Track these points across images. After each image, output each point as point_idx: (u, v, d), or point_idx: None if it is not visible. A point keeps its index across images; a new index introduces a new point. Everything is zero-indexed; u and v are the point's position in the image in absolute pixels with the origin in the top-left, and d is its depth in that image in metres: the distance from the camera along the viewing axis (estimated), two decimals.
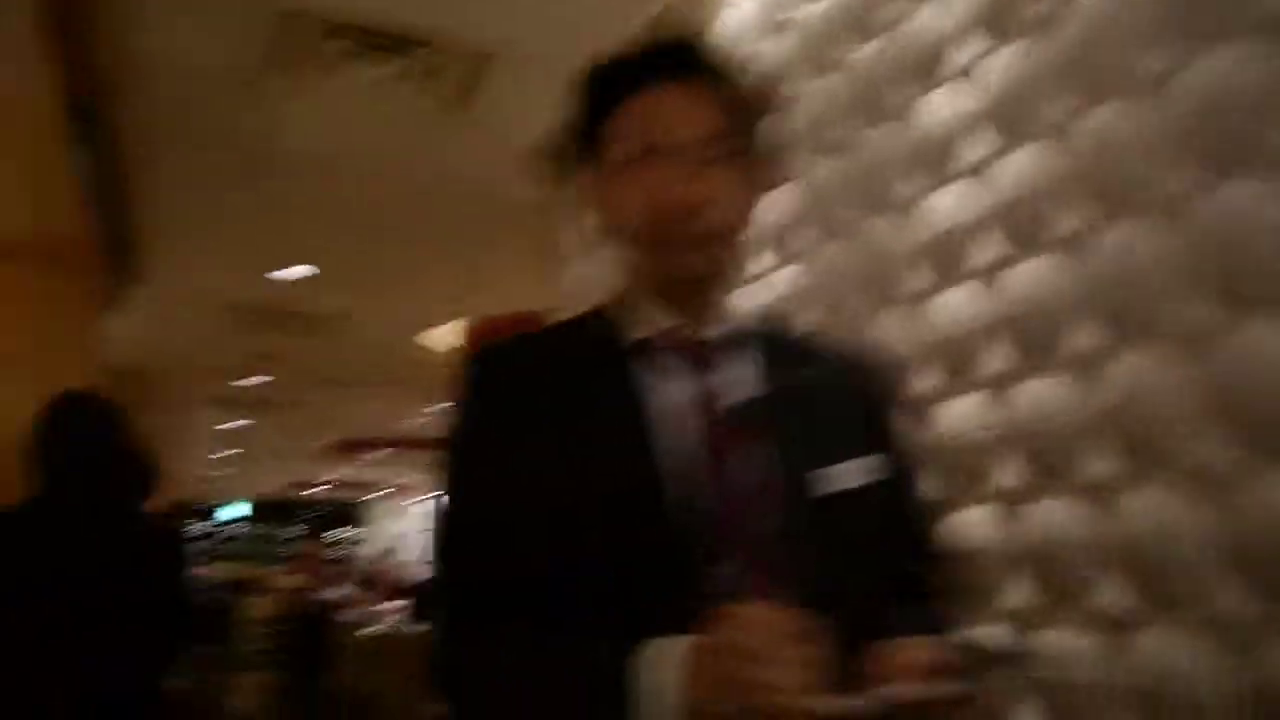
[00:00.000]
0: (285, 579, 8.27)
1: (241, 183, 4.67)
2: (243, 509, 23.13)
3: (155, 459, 2.73)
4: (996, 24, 1.98)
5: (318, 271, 6.05)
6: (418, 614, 9.69)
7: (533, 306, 6.21)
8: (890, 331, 2.20)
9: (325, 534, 22.80)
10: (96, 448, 2.54)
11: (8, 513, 2.44)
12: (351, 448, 13.77)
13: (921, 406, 2.03)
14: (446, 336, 7.50)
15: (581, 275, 4.00)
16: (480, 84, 3.51)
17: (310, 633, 8.28)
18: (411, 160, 4.15)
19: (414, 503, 21.81)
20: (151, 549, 2.58)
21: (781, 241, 2.68)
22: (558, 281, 4.32)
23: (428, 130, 3.86)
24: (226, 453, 14.86)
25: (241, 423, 12.30)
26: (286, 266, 5.92)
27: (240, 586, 19.76)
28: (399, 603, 10.94)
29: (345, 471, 16.72)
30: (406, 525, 22.13)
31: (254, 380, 9.60)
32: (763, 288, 2.77)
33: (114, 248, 5.12)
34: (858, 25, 2.42)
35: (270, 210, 5.08)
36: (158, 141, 4.27)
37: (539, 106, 3.90)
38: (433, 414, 11.23)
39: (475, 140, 3.95)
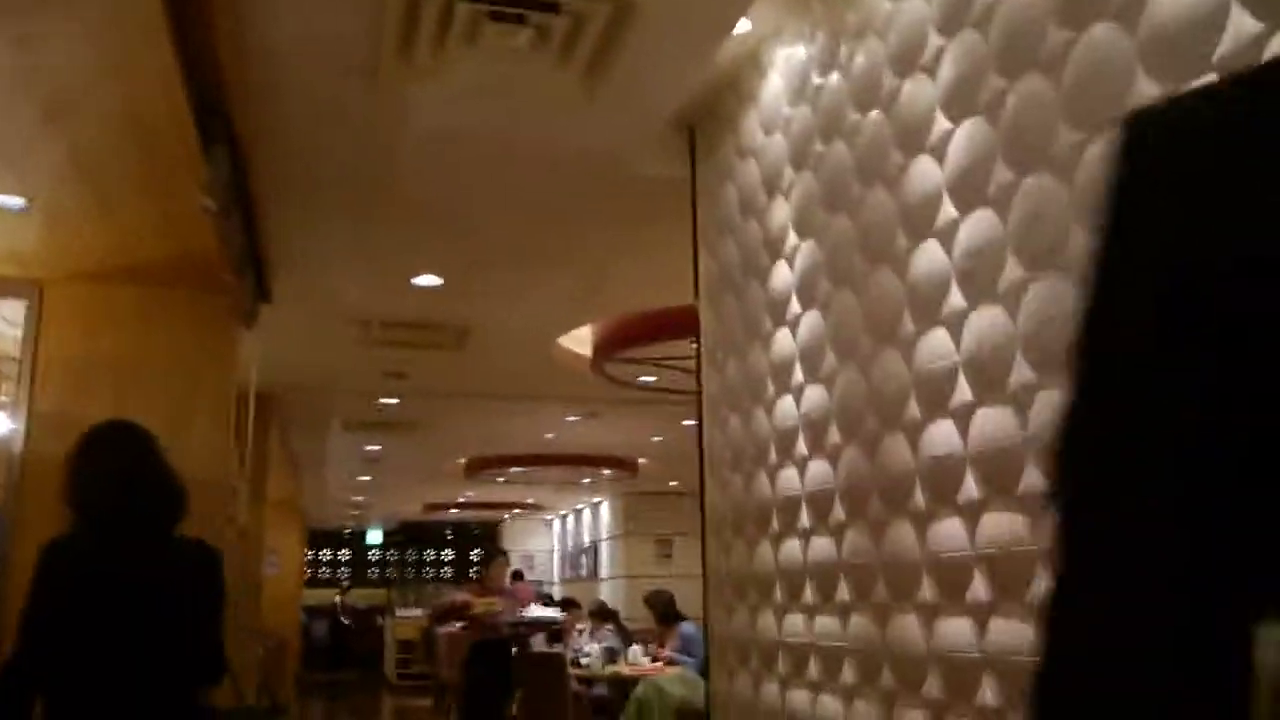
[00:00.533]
0: (480, 603, 7.98)
1: (367, 188, 4.52)
2: (379, 534, 23.45)
3: (183, 484, 2.85)
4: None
5: (444, 282, 5.89)
6: None
7: (671, 301, 5.97)
8: (890, 365, 2.54)
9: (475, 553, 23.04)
10: (129, 475, 2.72)
11: (58, 542, 2.66)
12: (485, 466, 13.72)
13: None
14: (578, 342, 7.29)
15: (724, 262, 3.71)
16: (615, 51, 3.25)
17: (501, 657, 8.04)
18: (541, 140, 3.92)
19: (550, 520, 21.81)
20: (187, 570, 2.76)
21: (804, 292, 3.07)
22: (696, 270, 4.04)
23: (558, 106, 3.61)
24: (362, 475, 14.98)
25: (377, 445, 12.35)
26: (415, 276, 5.77)
27: (382, 611, 20.10)
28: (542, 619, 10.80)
29: (480, 490, 16.71)
30: (543, 543, 22.16)
31: (388, 401, 9.57)
32: (787, 335, 3.16)
33: (245, 265, 5.03)
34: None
35: (396, 218, 4.93)
36: (282, 150, 4.14)
37: (675, 76, 3.68)
38: (566, 425, 11.08)
39: (608, 115, 3.69)
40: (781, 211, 3.25)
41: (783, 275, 3.21)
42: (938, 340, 2.33)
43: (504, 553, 8.73)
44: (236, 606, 6.51)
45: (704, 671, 4.52)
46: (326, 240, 5.28)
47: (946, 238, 2.33)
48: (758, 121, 3.50)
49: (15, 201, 3.96)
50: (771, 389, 3.23)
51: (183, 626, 2.69)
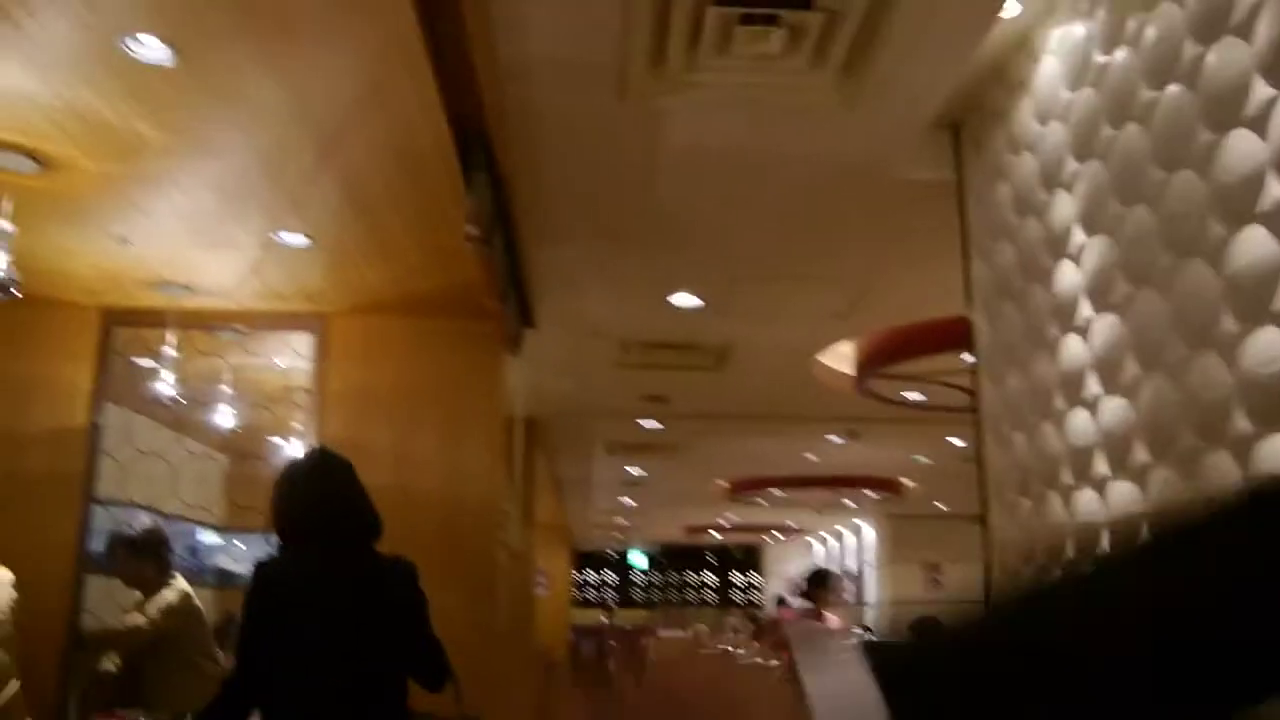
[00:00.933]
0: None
1: (622, 207, 4.52)
2: (642, 556, 23.81)
3: (374, 506, 3.04)
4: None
5: (702, 301, 5.83)
6: None
7: (938, 313, 5.67)
8: (1208, 372, 2.20)
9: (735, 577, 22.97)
10: (321, 499, 2.96)
11: (263, 563, 2.93)
12: (746, 488, 13.63)
13: None
14: (839, 359, 7.06)
15: (999, 266, 3.43)
16: (872, 48, 3.07)
17: None
18: (796, 148, 3.76)
19: (812, 543, 21.47)
20: (382, 583, 2.92)
21: (1096, 294, 2.74)
22: (968, 277, 3.78)
23: (813, 110, 3.46)
24: (625, 499, 15.22)
25: (639, 469, 12.50)
26: (672, 295, 5.74)
27: (646, 632, 20.38)
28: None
29: (741, 513, 16.64)
30: (804, 567, 21.81)
31: (649, 423, 9.64)
32: (1077, 341, 2.84)
33: (509, 291, 5.15)
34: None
35: (652, 237, 4.91)
36: (538, 175, 4.19)
37: (938, 70, 3.45)
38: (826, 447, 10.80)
39: (866, 117, 3.50)
40: (1065, 207, 2.96)
41: (1069, 277, 2.91)
42: (1269, 340, 2.01)
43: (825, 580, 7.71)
44: (515, 626, 6.66)
45: None
46: (585, 263, 5.33)
47: (1276, 222, 2.01)
48: (1031, 112, 3.22)
49: (300, 240, 4.21)
50: (1061, 402, 2.93)
51: (383, 636, 2.86)
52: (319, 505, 2.95)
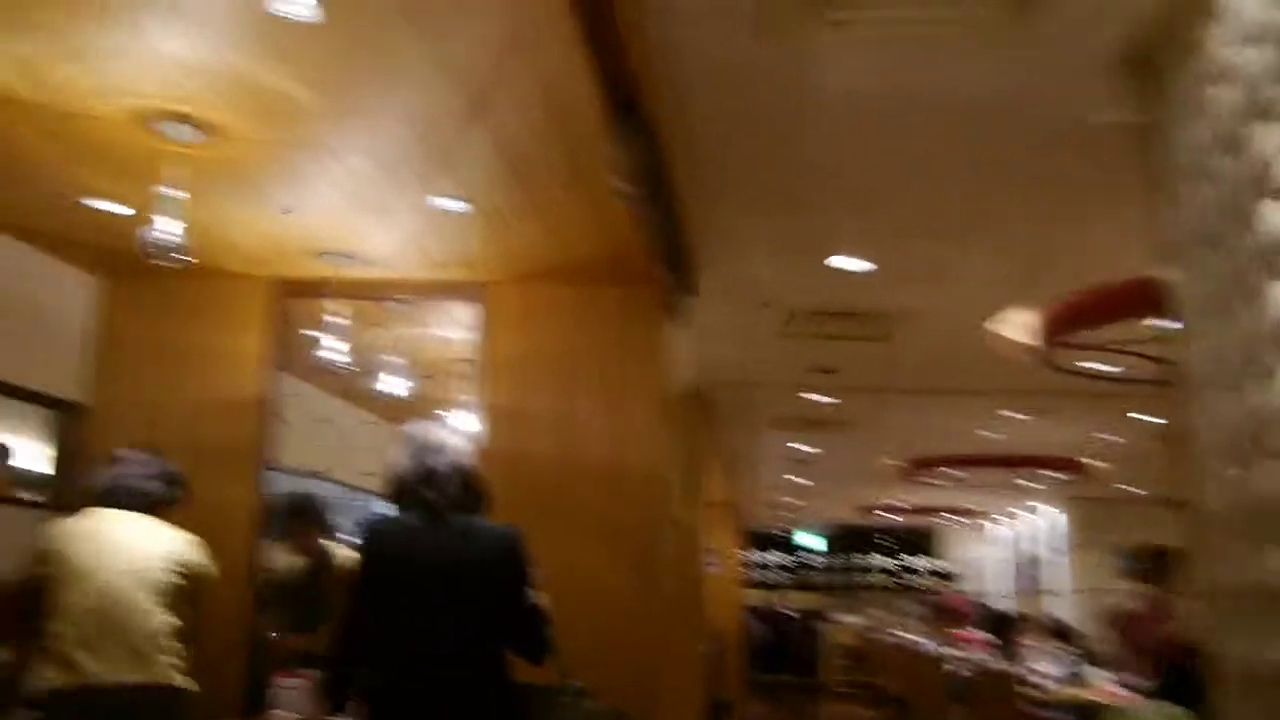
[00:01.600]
0: None
1: (782, 168, 4.35)
2: (814, 538, 23.50)
3: (481, 477, 3.21)
4: None
5: (870, 266, 5.60)
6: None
7: (1123, 273, 5.27)
8: None
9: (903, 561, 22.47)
10: (452, 473, 3.09)
11: (380, 522, 3.11)
12: (919, 467, 13.20)
13: None
14: (1019, 325, 6.68)
15: (1197, 212, 3.11)
16: None
17: None
18: (967, 93, 3.50)
19: (988, 526, 20.72)
20: (495, 550, 3.05)
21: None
22: (1161, 229, 3.45)
23: (985, 49, 3.21)
24: (793, 477, 14.99)
25: (807, 446, 12.26)
26: (836, 261, 5.53)
27: (819, 615, 20.12)
28: (976, 636, 10.16)
29: (914, 493, 16.16)
30: (984, 551, 21.08)
31: (817, 398, 9.41)
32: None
33: (669, 257, 5.05)
34: None
35: (814, 198, 4.72)
36: (696, 136, 4.08)
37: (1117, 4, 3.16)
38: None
39: (1044, 55, 3.23)
40: (1273, 137, 2.64)
41: (1277, 216, 2.60)
42: None
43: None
44: (683, 601, 6.59)
45: (1193, 705, 3.64)
46: (746, 228, 5.19)
47: None
48: (1233, 36, 2.89)
49: (456, 204, 4.21)
50: (1274, 357, 2.63)
51: (485, 603, 2.98)
52: (432, 472, 3.07)
